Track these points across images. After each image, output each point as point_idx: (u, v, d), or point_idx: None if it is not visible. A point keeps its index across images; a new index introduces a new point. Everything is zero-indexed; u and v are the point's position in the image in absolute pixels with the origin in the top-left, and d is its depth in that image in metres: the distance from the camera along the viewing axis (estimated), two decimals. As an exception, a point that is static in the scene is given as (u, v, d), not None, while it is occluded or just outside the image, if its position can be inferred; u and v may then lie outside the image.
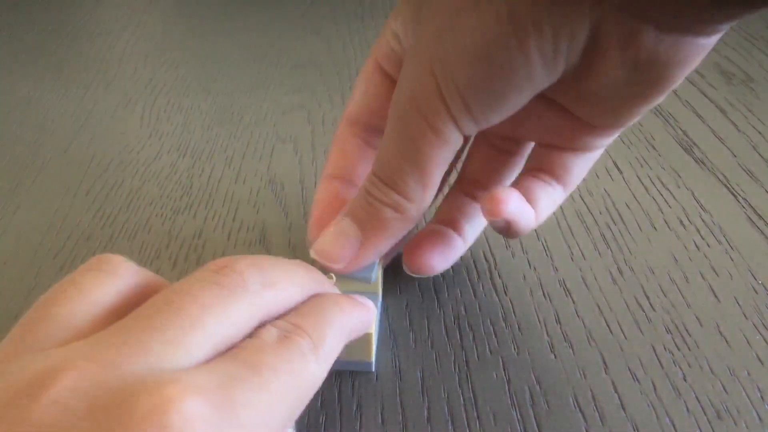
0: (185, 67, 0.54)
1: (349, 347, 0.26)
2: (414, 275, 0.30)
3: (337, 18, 0.63)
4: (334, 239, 0.26)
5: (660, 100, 0.23)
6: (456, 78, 0.21)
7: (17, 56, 0.56)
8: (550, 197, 0.28)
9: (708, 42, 0.21)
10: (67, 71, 0.54)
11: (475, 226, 0.31)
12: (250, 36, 0.60)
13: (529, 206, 0.27)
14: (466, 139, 0.24)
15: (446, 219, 0.30)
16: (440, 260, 0.29)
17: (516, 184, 0.28)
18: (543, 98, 0.24)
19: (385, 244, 0.26)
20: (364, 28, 0.61)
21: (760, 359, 0.28)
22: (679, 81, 0.22)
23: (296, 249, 0.34)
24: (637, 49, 0.21)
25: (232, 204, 0.37)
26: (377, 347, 0.28)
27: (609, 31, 0.20)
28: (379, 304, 0.29)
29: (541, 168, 0.28)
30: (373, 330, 0.26)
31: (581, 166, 0.28)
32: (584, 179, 0.39)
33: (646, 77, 0.22)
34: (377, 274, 0.28)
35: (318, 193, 0.29)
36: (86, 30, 0.62)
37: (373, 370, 0.27)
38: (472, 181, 0.30)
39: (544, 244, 0.34)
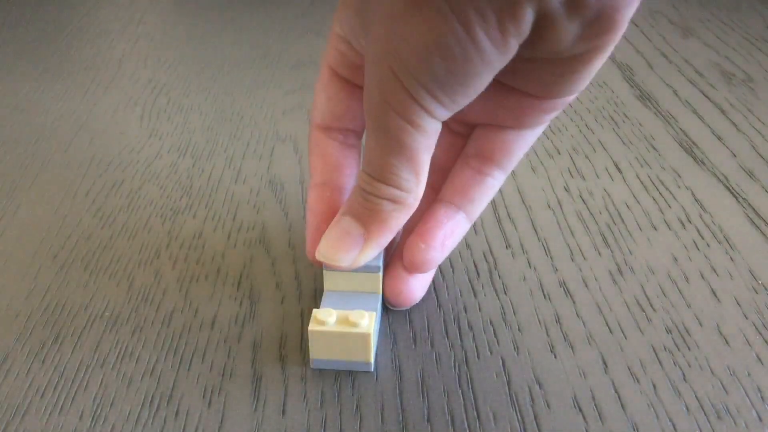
0: (185, 67, 0.54)
1: (349, 348, 0.26)
2: (397, 309, 0.30)
3: (337, 18, 0.63)
4: (338, 239, 0.26)
5: (611, 49, 0.23)
6: (418, 77, 0.22)
7: (17, 56, 0.56)
8: (490, 191, 0.29)
9: None
10: (67, 71, 0.54)
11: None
12: (250, 36, 0.60)
13: (437, 252, 0.28)
14: (443, 123, 0.25)
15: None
16: (419, 286, 0.30)
17: (454, 180, 0.29)
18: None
19: (387, 236, 0.26)
20: (364, 28, 0.61)
21: (760, 359, 0.28)
22: (628, 19, 0.22)
23: (296, 249, 0.34)
24: (585, 7, 0.21)
25: (232, 204, 0.37)
26: (377, 347, 0.28)
27: None
28: (379, 304, 0.29)
29: (481, 154, 0.29)
30: (372, 330, 0.26)
31: (523, 146, 0.28)
32: (584, 179, 0.39)
33: (597, 29, 0.22)
34: (380, 274, 0.28)
35: (310, 202, 0.29)
36: (86, 30, 0.62)
37: (372, 370, 0.27)
38: (438, 169, 0.30)
39: (544, 244, 0.34)
